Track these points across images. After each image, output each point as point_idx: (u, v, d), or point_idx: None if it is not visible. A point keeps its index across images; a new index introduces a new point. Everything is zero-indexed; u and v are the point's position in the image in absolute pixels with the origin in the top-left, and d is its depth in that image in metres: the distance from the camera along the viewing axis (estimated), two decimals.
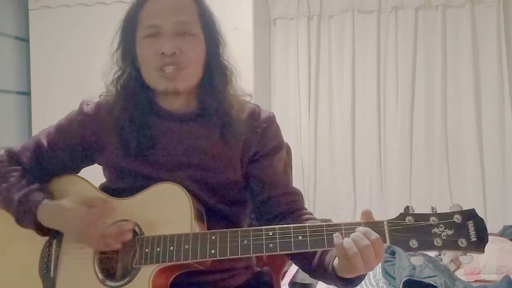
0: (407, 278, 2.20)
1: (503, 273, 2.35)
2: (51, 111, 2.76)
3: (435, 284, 2.12)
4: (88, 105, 1.14)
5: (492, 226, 2.93)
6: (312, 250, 0.91)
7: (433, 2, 3.08)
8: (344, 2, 3.21)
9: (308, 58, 3.31)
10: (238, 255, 0.92)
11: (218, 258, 0.93)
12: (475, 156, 3.03)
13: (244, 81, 1.18)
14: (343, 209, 3.27)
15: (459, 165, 3.09)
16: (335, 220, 3.22)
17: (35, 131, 2.94)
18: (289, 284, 1.24)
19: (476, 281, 2.38)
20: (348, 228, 0.89)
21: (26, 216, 1.04)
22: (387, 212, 3.18)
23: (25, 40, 3.03)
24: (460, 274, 2.41)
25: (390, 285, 2.36)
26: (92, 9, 2.91)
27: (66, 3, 2.93)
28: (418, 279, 2.17)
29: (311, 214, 1.11)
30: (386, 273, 2.41)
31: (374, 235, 0.85)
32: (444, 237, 0.85)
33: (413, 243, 0.85)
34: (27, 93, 3.05)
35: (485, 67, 3.04)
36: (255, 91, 2.74)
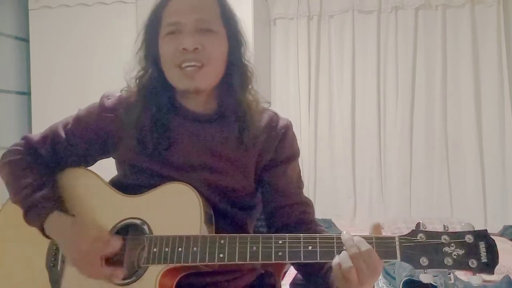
0: (407, 278, 2.19)
1: (503, 273, 2.35)
2: (51, 111, 2.78)
3: (435, 284, 2.12)
4: (109, 99, 1.13)
5: (492, 226, 2.93)
6: (321, 261, 0.89)
7: (433, 2, 3.09)
8: (344, 2, 3.22)
9: (308, 58, 3.31)
10: (247, 261, 0.91)
11: (226, 262, 0.92)
12: (475, 156, 3.04)
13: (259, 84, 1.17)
14: (343, 209, 3.27)
15: (459, 165, 3.10)
16: (335, 220, 3.24)
17: (35, 131, 2.94)
18: (290, 285, 1.24)
19: None
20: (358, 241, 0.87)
21: (33, 221, 1.05)
22: (387, 212, 3.18)
23: (25, 40, 3.03)
24: (460, 274, 2.41)
25: (390, 285, 2.36)
26: (92, 9, 2.91)
27: (66, 3, 2.94)
28: (418, 279, 2.17)
29: (322, 226, 1.10)
30: (386, 273, 2.41)
31: (365, 246, 0.84)
32: (455, 257, 0.84)
33: (424, 260, 0.84)
34: (27, 93, 3.06)
35: (485, 67, 3.05)
36: None
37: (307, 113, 3.32)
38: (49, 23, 2.95)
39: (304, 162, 3.32)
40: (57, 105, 2.83)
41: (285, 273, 1.32)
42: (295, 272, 1.11)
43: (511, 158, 2.99)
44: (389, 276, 2.39)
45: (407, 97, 3.15)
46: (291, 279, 1.27)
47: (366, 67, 3.23)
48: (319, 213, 3.30)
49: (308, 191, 3.30)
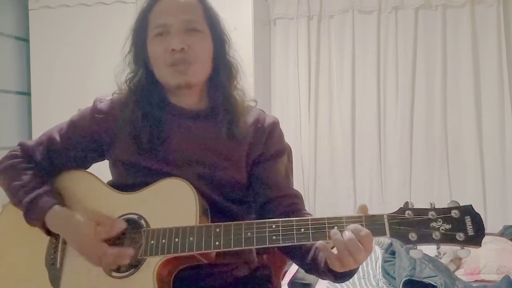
0: (407, 278, 2.20)
1: (503, 273, 2.35)
2: (51, 111, 2.78)
3: (435, 284, 2.12)
4: (101, 102, 1.18)
5: (492, 226, 2.93)
6: (314, 242, 0.93)
7: (433, 2, 3.09)
8: (344, 2, 3.22)
9: (308, 58, 3.31)
10: (242, 246, 0.94)
11: (222, 250, 0.95)
12: (475, 156, 3.04)
13: (244, 81, 1.20)
14: (343, 209, 3.27)
15: (459, 165, 3.10)
16: None
17: (35, 131, 2.95)
18: (288, 284, 1.24)
19: (476, 281, 2.38)
20: (349, 222, 0.91)
21: (34, 219, 1.06)
22: (387, 212, 3.17)
23: (25, 40, 3.03)
24: (460, 274, 2.41)
25: (390, 285, 2.36)
26: (92, 9, 2.91)
27: (66, 3, 2.94)
28: (418, 279, 2.17)
29: (310, 215, 1.12)
30: (386, 273, 2.41)
31: (364, 231, 0.88)
32: (443, 231, 0.87)
33: (412, 236, 0.88)
34: (27, 93, 3.06)
35: (485, 67, 3.05)
36: (255, 91, 2.74)
37: (307, 113, 3.32)
38: (49, 23, 2.95)
39: (304, 162, 3.32)
40: (57, 105, 2.84)
41: (285, 272, 1.32)
42: (294, 271, 1.12)
43: (511, 158, 2.99)
44: (389, 276, 2.39)
45: (407, 97, 3.15)
46: (290, 278, 1.28)
47: (366, 67, 3.23)
48: (319, 213, 3.30)
49: (308, 191, 3.30)
